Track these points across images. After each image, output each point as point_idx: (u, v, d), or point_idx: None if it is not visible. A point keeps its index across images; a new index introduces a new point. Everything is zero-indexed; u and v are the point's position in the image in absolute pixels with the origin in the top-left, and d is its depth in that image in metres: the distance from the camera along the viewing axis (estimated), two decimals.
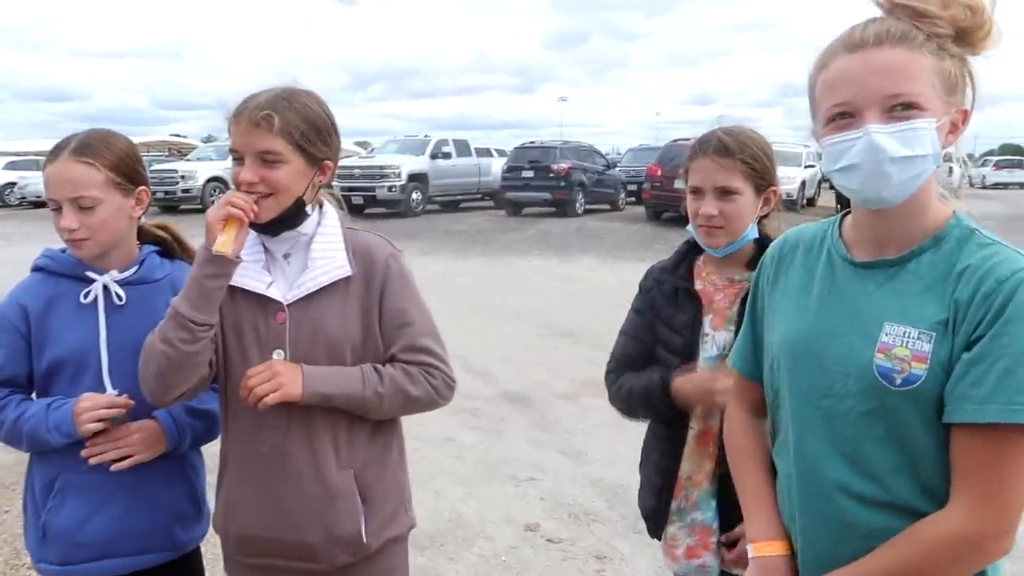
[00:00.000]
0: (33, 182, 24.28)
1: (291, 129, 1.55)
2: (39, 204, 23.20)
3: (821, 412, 1.26)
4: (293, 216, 1.62)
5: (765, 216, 1.81)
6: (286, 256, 1.66)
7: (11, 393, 1.76)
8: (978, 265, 1.16)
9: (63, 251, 1.82)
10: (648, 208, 17.90)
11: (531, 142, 20.14)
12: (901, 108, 1.15)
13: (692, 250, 1.90)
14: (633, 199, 20.20)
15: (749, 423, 1.50)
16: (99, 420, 1.67)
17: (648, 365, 1.87)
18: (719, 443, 1.72)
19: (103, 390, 1.73)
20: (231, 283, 1.59)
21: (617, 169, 21.18)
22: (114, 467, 1.71)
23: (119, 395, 1.72)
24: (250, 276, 1.62)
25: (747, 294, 1.69)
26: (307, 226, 1.66)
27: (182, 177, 19.98)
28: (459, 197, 21.32)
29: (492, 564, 3.39)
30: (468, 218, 19.02)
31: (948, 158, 1.28)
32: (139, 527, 1.77)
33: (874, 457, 1.20)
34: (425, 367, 1.67)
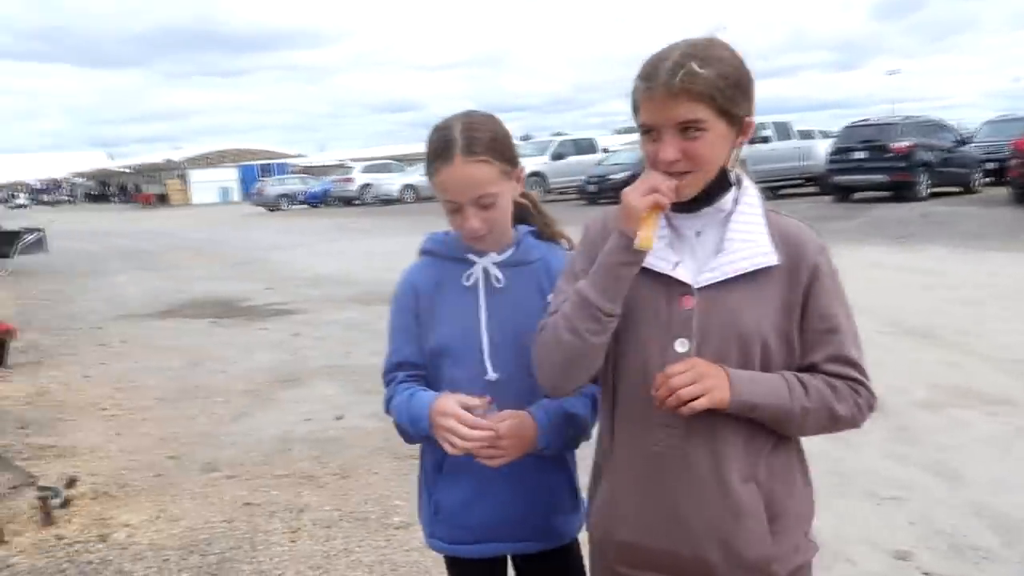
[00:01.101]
0: (386, 183, 27.85)
1: (712, 90, 1.33)
2: (387, 202, 26.60)
3: None
4: (716, 190, 1.43)
5: None
6: (697, 234, 1.47)
7: (407, 378, 1.80)
8: None
9: (446, 234, 1.85)
10: (1015, 189, 15.23)
11: (864, 120, 18.27)
12: None
13: None
14: (991, 179, 17.38)
15: None
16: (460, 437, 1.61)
17: None
18: None
19: (484, 373, 1.72)
20: None
21: (971, 146, 18.38)
22: (477, 457, 1.65)
23: (492, 392, 1.67)
24: (654, 253, 1.42)
25: None
26: (725, 201, 1.46)
27: None
28: (779, 183, 20.09)
29: None
30: (789, 205, 17.80)
31: None
32: (520, 514, 1.75)
33: None
34: (851, 382, 1.42)
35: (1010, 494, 3.65)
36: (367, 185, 31.52)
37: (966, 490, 3.79)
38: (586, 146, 25.55)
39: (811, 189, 20.19)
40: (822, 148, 19.35)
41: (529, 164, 22.10)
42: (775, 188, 20.16)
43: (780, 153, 19.34)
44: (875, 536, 3.40)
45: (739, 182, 1.48)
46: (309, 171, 47.70)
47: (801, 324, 1.42)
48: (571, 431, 1.72)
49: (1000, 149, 16.76)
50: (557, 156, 22.67)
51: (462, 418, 1.61)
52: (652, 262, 1.43)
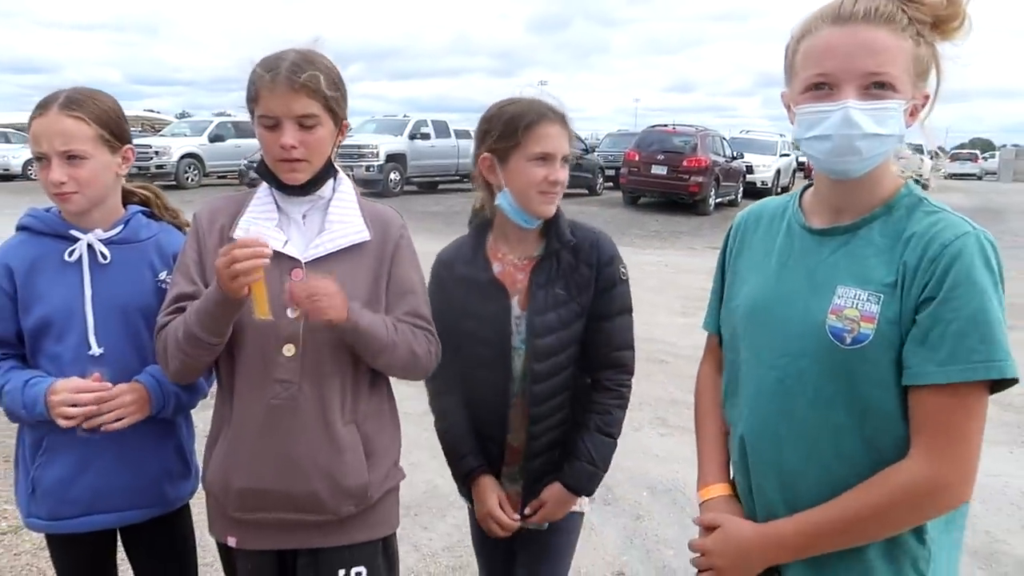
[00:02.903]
0: (4, 155, 23.73)
1: (324, 91, 1.58)
2: (6, 177, 22.75)
3: (777, 373, 1.33)
4: (324, 176, 1.68)
5: None
6: (304, 217, 1.70)
7: (3, 358, 1.77)
8: (924, 231, 1.23)
9: (47, 210, 1.84)
10: (625, 193, 18.01)
11: None
12: (877, 87, 1.21)
13: (483, 232, 1.93)
14: (611, 184, 20.26)
15: (714, 379, 1.58)
16: (76, 405, 1.67)
17: (457, 358, 1.87)
18: (530, 407, 1.85)
19: (88, 348, 1.75)
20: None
21: (595, 154, 21.24)
22: (106, 427, 1.71)
23: (95, 367, 1.72)
24: (266, 236, 1.61)
25: (538, 262, 1.82)
26: (325, 190, 1.71)
27: (156, 153, 19.69)
28: (437, 178, 21.25)
29: (464, 532, 3.45)
30: (446, 199, 18.97)
31: (920, 150, 1.35)
32: (126, 483, 1.80)
33: (825, 415, 1.28)
34: (425, 332, 1.73)
35: None
36: None
37: None
38: (247, 129, 24.05)
39: (466, 185, 21.67)
40: None
41: (184, 145, 20.54)
42: (434, 183, 21.31)
43: (438, 150, 20.35)
44: None
45: (337, 176, 1.74)
46: None
47: (387, 286, 1.71)
48: (183, 394, 1.84)
49: (617, 158, 19.64)
50: (215, 138, 21.29)
51: (73, 387, 1.67)
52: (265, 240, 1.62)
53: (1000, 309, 1.19)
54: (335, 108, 1.63)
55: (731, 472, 1.51)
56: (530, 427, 1.86)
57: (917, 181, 1.34)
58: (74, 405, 1.67)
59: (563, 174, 1.80)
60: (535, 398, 1.85)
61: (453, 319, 1.86)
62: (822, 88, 1.25)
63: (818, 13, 1.28)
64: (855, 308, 1.25)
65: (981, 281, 1.17)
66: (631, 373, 1.93)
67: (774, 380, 1.34)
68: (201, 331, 1.55)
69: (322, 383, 1.65)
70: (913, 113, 1.27)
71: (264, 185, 1.72)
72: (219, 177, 21.82)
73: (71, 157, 1.70)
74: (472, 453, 1.91)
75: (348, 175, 1.79)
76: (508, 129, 1.80)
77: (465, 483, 1.95)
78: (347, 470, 1.67)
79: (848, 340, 1.24)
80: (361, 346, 1.64)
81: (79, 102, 1.72)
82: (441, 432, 1.97)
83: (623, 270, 1.90)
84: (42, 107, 1.71)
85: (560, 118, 1.81)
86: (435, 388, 1.96)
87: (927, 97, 1.28)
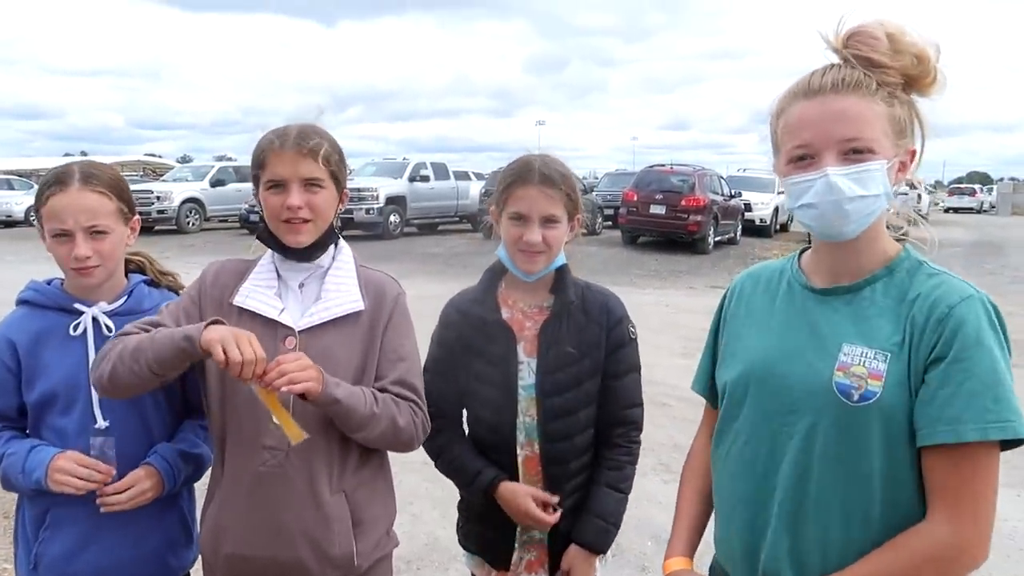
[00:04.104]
0: (6, 201, 23.89)
1: (329, 157, 1.65)
2: (8, 223, 22.87)
3: (782, 430, 1.33)
4: (326, 242, 1.72)
5: (568, 241, 1.93)
6: (301, 286, 1.72)
7: (2, 429, 1.77)
8: (928, 293, 1.26)
9: (48, 283, 1.84)
10: (624, 233, 18.08)
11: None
12: (854, 152, 1.24)
13: (496, 277, 1.96)
14: (610, 223, 20.35)
15: (705, 448, 1.58)
16: (79, 479, 1.67)
17: (462, 402, 1.91)
18: (545, 467, 1.85)
19: (93, 422, 1.75)
20: (241, 305, 1.66)
21: (594, 193, 21.35)
22: (120, 508, 1.72)
23: (103, 437, 1.72)
24: (262, 301, 1.67)
25: (548, 319, 1.83)
26: (324, 259, 1.74)
27: (157, 198, 19.84)
28: (437, 220, 21.37)
29: None
30: (446, 241, 19.06)
31: (916, 186, 1.38)
32: (130, 556, 1.80)
33: (829, 472, 1.28)
34: (411, 403, 1.72)
35: None
36: None
37: None
38: (248, 173, 23.84)
39: (466, 226, 21.79)
40: (475, 189, 20.97)
41: (186, 190, 20.69)
42: (434, 224, 21.41)
43: (438, 192, 20.49)
44: None
45: (337, 245, 1.78)
46: None
47: (378, 353, 1.72)
48: (190, 469, 1.85)
49: (616, 198, 19.73)
50: (217, 182, 21.43)
51: (79, 460, 1.68)
52: (261, 308, 1.66)
53: (1008, 371, 1.21)
54: (338, 176, 1.69)
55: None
56: (548, 487, 1.87)
57: (919, 213, 1.36)
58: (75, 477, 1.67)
59: (538, 236, 1.81)
60: (551, 459, 1.85)
61: (459, 358, 1.88)
62: (804, 159, 1.29)
63: (790, 90, 1.33)
64: (862, 366, 1.26)
65: (989, 343, 1.20)
66: (640, 429, 1.96)
67: (780, 438, 1.34)
68: (154, 356, 1.52)
69: (310, 452, 1.65)
70: (902, 168, 1.30)
71: (268, 253, 1.75)
72: (220, 221, 21.95)
73: (95, 232, 1.72)
74: (486, 466, 1.87)
75: (347, 238, 1.83)
76: (499, 187, 1.90)
77: (487, 497, 1.87)
78: (334, 539, 1.67)
79: (855, 397, 1.25)
80: (340, 420, 1.63)
81: (96, 176, 1.75)
82: (445, 466, 1.95)
83: (632, 330, 1.95)
84: (60, 183, 1.72)
85: (546, 180, 1.82)
86: (432, 428, 1.91)
87: (914, 152, 1.32)
